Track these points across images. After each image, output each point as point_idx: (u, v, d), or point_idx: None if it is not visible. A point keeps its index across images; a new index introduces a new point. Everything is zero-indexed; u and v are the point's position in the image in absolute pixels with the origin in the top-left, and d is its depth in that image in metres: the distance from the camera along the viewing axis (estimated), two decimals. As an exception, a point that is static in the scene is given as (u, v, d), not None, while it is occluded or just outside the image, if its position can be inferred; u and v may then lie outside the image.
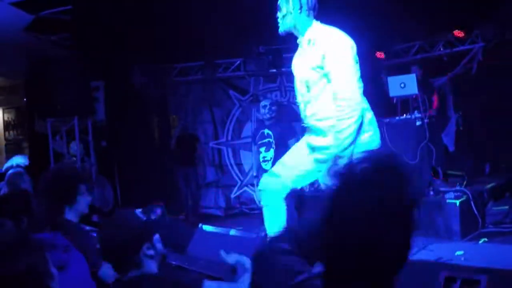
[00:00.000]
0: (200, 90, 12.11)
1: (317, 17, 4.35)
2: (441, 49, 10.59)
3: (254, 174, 9.93)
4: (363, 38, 10.70)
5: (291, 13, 4.25)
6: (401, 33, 10.53)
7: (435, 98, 9.43)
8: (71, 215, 3.79)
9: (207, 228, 5.36)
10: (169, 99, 12.39)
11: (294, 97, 11.47)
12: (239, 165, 11.88)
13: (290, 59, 11.02)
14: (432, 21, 9.78)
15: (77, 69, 10.19)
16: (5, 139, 14.90)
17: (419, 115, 8.45)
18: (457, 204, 7.38)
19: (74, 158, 10.65)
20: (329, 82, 4.20)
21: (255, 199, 11.55)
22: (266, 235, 4.74)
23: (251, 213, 11.31)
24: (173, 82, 12.07)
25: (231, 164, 12.00)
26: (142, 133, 12.12)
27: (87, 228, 5.25)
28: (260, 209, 11.23)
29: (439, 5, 9.07)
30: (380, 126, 8.48)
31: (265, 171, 7.93)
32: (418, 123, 8.35)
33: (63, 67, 10.05)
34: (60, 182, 3.74)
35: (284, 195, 4.60)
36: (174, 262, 4.80)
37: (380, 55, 10.87)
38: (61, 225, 3.63)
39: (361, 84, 4.30)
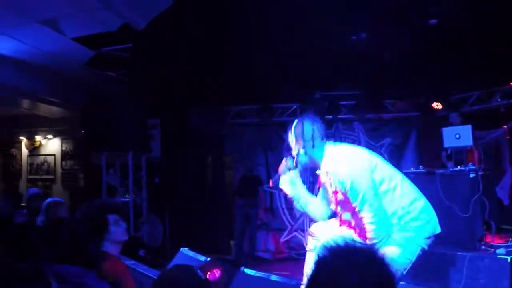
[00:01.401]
0: (255, 133, 12.18)
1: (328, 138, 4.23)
2: (499, 100, 10.42)
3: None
4: (419, 90, 10.75)
5: (305, 151, 4.17)
6: (458, 84, 10.42)
7: (475, 152, 9.20)
8: (109, 247, 3.77)
9: (248, 271, 5.31)
10: (225, 140, 12.48)
11: (349, 144, 11.47)
12: (290, 209, 11.79)
13: (346, 106, 11.11)
14: (489, 72, 9.67)
15: (135, 106, 10.43)
16: (62, 168, 15.23)
17: (473, 167, 8.25)
18: (508, 260, 7.18)
19: (127, 196, 10.80)
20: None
21: (305, 245, 11.45)
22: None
23: (300, 259, 11.16)
24: (230, 124, 12.17)
25: (282, 208, 11.93)
26: (195, 172, 12.22)
27: (129, 262, 5.27)
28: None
29: (496, 56, 8.96)
30: (433, 177, 8.42)
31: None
32: (471, 175, 8.14)
33: (121, 103, 10.30)
34: (89, 215, 3.74)
35: None
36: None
37: (437, 105, 10.76)
38: (97, 258, 3.59)
39: (395, 194, 4.05)
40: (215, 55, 9.97)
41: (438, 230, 4.15)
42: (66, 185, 15.08)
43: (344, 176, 3.97)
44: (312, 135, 4.10)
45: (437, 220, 4.20)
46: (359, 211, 3.98)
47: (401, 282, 8.17)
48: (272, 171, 11.91)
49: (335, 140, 4.29)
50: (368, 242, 3.92)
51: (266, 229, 11.89)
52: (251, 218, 11.19)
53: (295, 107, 11.78)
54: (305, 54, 9.68)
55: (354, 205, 4.00)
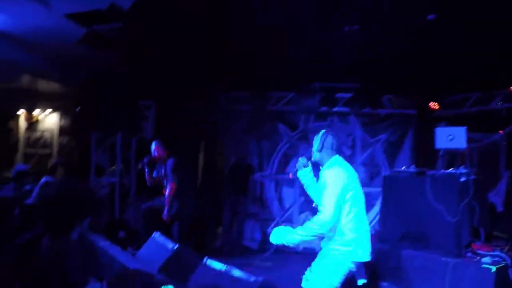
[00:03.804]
0: (249, 121, 11.94)
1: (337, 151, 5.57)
2: (500, 103, 10.12)
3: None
4: (417, 87, 10.50)
5: (317, 151, 5.51)
6: (457, 84, 10.14)
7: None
8: None
9: (211, 263, 5.23)
10: (219, 126, 12.23)
11: (344, 137, 11.24)
12: (280, 200, 11.63)
13: (343, 99, 10.89)
14: (490, 74, 9.40)
15: (128, 87, 10.27)
16: (59, 144, 15.14)
17: (465, 170, 7.99)
18: (493, 270, 6.95)
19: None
20: None
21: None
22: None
23: (285, 251, 11.01)
24: (225, 109, 11.93)
25: (271, 198, 11.73)
26: (187, 156, 12.03)
27: (102, 243, 5.23)
28: (293, 248, 11.00)
29: (498, 58, 8.71)
30: (423, 178, 8.19)
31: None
32: (462, 178, 7.90)
33: (114, 83, 10.16)
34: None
35: None
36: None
37: (434, 105, 10.48)
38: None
39: (349, 214, 5.30)
40: (212, 39, 9.76)
41: (367, 259, 5.36)
42: (62, 161, 14.97)
43: (326, 178, 5.33)
44: (330, 145, 5.50)
45: (369, 251, 5.41)
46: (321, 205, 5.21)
47: (383, 283, 8.05)
48: (264, 160, 11.72)
49: (333, 133, 5.61)
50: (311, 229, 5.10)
51: (254, 218, 11.70)
52: (240, 207, 11.04)
53: (290, 96, 11.55)
54: (303, 43, 9.46)
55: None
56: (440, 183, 8.10)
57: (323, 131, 5.67)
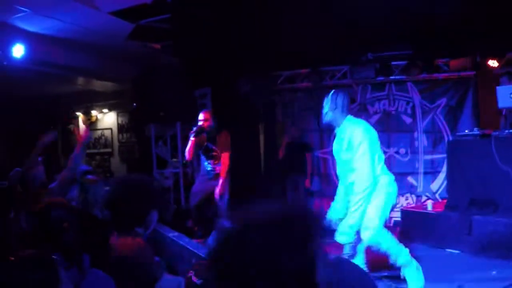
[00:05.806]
0: (306, 98, 11.82)
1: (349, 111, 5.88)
2: None
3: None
4: (473, 47, 10.16)
5: (329, 111, 5.73)
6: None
7: None
8: None
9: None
10: (275, 107, 12.15)
11: (402, 106, 11.02)
12: (344, 177, 11.48)
13: (399, 67, 10.64)
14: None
15: (181, 76, 10.32)
16: (119, 141, 15.42)
17: (531, 129, 7.73)
18: None
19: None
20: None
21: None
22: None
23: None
24: (279, 89, 11.88)
25: (336, 175, 11.60)
26: (247, 140, 12.04)
27: (171, 234, 5.27)
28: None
29: None
30: (488, 140, 7.95)
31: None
32: (528, 137, 7.65)
33: (167, 74, 10.23)
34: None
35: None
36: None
37: (493, 63, 10.08)
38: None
39: (377, 159, 5.57)
40: (261, 20, 9.70)
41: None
42: (123, 157, 15.27)
43: (354, 138, 5.48)
44: (342, 104, 5.68)
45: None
46: (355, 167, 5.53)
47: (455, 251, 7.88)
48: (325, 136, 11.60)
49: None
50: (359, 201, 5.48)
51: (319, 196, 11.61)
52: (299, 184, 11.02)
53: (345, 69, 11.34)
54: (354, 15, 9.29)
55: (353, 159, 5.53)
56: (506, 143, 7.89)
57: (333, 90, 5.89)
